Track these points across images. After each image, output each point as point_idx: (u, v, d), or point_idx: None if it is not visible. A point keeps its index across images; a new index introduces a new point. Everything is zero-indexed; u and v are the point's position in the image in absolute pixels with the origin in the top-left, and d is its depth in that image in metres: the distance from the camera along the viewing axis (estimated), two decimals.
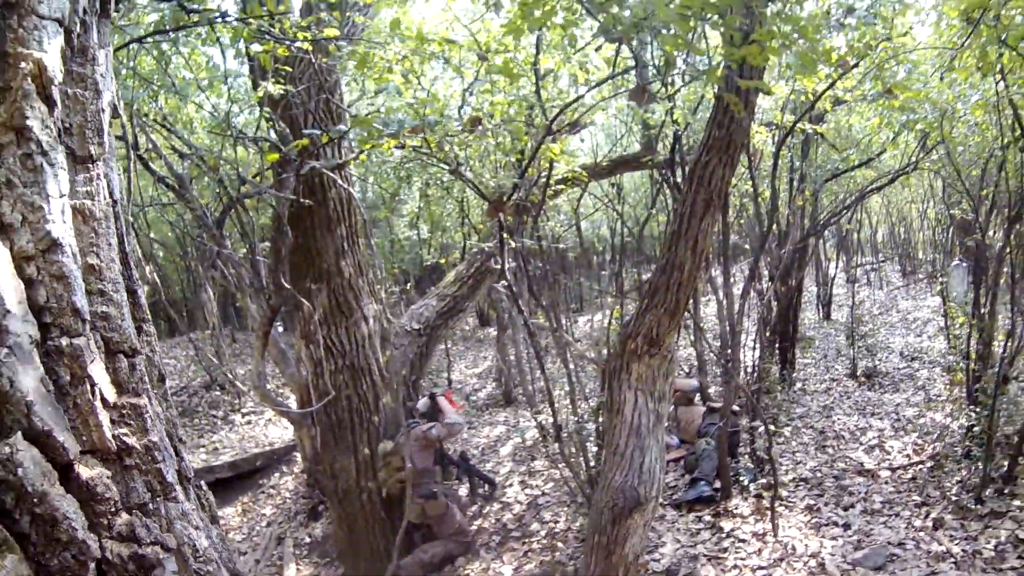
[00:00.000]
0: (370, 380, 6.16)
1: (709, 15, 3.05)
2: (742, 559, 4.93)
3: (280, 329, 9.78)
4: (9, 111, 1.64)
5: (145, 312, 2.10)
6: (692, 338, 9.08)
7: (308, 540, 7.21)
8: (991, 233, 7.59)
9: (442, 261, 12.87)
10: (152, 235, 13.45)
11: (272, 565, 6.89)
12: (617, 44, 4.54)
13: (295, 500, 8.19)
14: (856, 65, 5.67)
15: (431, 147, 3.82)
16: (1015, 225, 6.16)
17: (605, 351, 6.64)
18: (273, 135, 5.12)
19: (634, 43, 4.61)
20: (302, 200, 5.34)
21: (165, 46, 5.69)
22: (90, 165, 1.90)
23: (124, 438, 1.79)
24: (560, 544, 5.77)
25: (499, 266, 4.72)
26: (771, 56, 3.22)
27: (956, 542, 4.54)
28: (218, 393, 11.53)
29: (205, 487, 2.22)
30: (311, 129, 4.50)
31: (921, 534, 4.73)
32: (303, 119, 5.44)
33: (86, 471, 1.65)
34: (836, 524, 5.15)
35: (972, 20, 4.23)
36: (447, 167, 4.12)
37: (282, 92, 4.61)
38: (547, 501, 6.64)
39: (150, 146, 6.29)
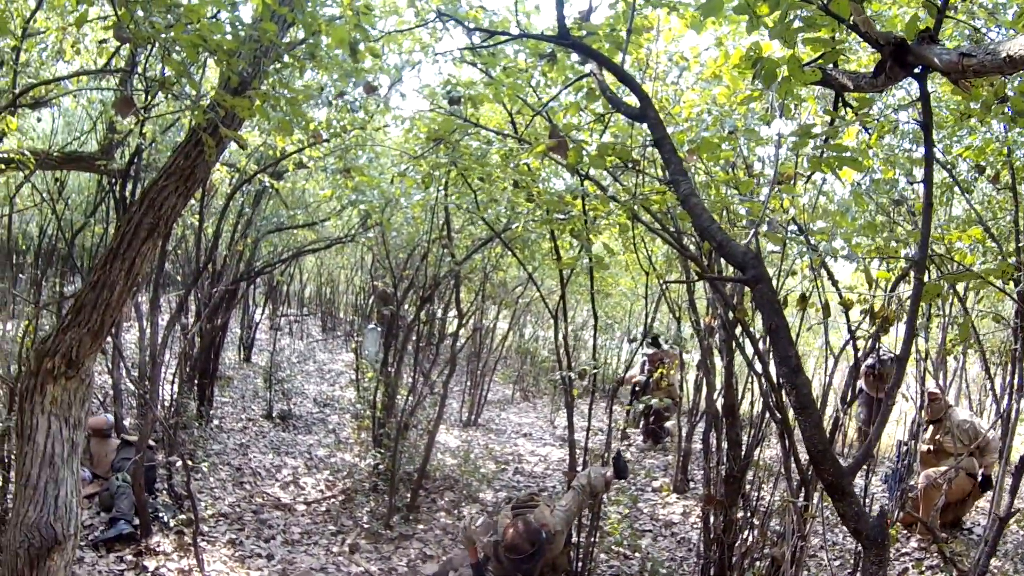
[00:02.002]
0: None
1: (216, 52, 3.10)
2: None
3: None
4: None
5: None
6: (109, 365, 8.40)
7: None
8: (406, 306, 8.86)
9: None
10: None
11: None
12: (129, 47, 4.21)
13: None
14: (328, 140, 6.22)
15: None
16: (426, 303, 7.36)
17: (14, 367, 5.74)
18: None
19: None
20: None
21: None
22: None
23: None
24: None
25: None
26: (255, 114, 3.43)
27: (372, 562, 5.13)
28: None
29: None
30: None
31: (340, 558, 5.20)
32: None
33: None
34: (260, 555, 5.31)
35: (437, 140, 5.01)
36: None
37: None
38: None
39: None
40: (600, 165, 3.47)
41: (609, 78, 3.09)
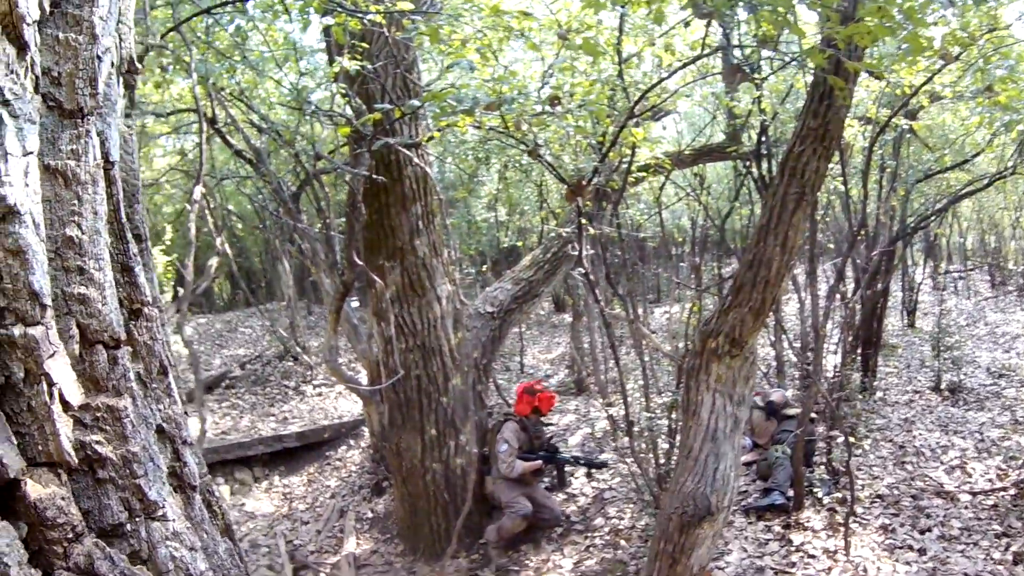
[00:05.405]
0: (440, 361, 6.12)
1: None
2: None
3: (354, 305, 9.87)
4: None
5: (145, 293, 1.75)
6: (772, 339, 8.76)
7: (370, 515, 7.25)
8: None
9: (519, 244, 12.75)
10: (230, 207, 13.74)
11: (333, 537, 6.96)
12: (706, 23, 4.32)
13: (360, 474, 8.25)
14: (958, 57, 5.30)
15: (508, 126, 3.69)
16: None
17: (681, 345, 6.42)
18: (348, 111, 5.07)
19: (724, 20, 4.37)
20: (377, 177, 5.29)
21: (242, 21, 5.67)
22: (79, 120, 1.57)
23: (96, 447, 1.49)
24: (623, 542, 5.63)
25: (576, 252, 4.57)
26: (878, 37, 2.99)
27: None
28: (291, 364, 11.75)
29: (218, 493, 1.91)
30: (385, 104, 4.42)
31: (1000, 568, 4.40)
32: (379, 95, 5.37)
33: (36, 490, 1.35)
34: (911, 548, 4.86)
35: None
36: (525, 148, 3.99)
37: (358, 68, 4.54)
38: (613, 496, 6.49)
39: (228, 120, 6.35)
40: None
41: None
